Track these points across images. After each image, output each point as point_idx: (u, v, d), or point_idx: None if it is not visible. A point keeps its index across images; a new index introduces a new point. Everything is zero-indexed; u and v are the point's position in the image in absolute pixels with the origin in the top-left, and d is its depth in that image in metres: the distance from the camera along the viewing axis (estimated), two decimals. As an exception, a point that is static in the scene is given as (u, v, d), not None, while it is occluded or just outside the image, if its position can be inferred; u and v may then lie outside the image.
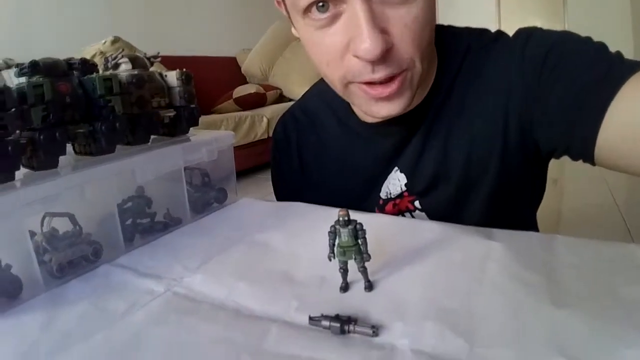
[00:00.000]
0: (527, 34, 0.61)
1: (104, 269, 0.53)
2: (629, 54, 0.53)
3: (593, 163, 0.55)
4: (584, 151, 0.54)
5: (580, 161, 0.57)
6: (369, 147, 0.71)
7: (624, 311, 0.37)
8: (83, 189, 0.51)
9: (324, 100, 0.76)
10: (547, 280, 0.43)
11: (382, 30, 0.49)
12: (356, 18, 0.48)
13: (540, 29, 0.61)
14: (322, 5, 0.50)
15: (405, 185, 0.69)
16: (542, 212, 0.78)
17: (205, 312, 0.42)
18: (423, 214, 0.69)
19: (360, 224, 0.42)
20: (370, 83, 0.53)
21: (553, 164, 0.69)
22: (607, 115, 0.51)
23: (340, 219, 0.42)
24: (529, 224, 0.77)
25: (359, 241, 0.43)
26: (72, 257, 0.51)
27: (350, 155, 0.73)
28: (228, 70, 4.10)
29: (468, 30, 0.68)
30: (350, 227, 0.42)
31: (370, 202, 0.73)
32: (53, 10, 3.03)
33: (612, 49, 0.55)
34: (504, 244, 0.50)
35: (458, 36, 0.66)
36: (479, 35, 0.66)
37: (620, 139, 0.51)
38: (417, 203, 0.69)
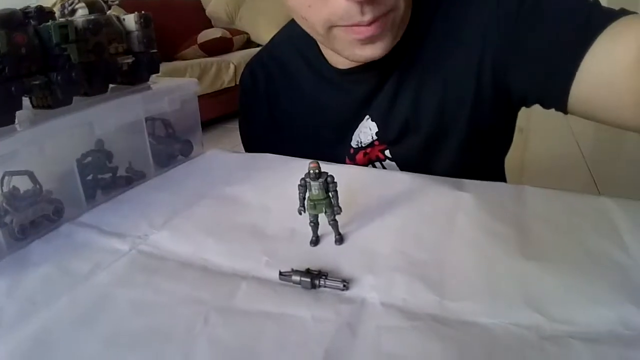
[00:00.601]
0: None
1: (66, 228, 0.51)
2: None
3: (565, 112, 0.55)
4: (557, 100, 0.54)
5: (552, 110, 0.57)
6: (341, 94, 0.69)
7: (594, 265, 0.38)
8: (42, 144, 0.49)
9: (293, 45, 0.73)
10: (517, 232, 0.43)
11: None
12: None
13: None
14: None
15: (377, 134, 0.68)
16: (508, 162, 0.79)
17: (172, 271, 0.41)
18: (393, 163, 0.69)
19: (332, 177, 0.41)
20: (356, 25, 0.51)
21: (520, 112, 0.68)
22: (582, 65, 0.50)
23: (311, 171, 0.40)
24: (498, 172, 0.78)
25: (330, 194, 0.42)
26: (33, 217, 0.49)
27: (321, 103, 0.71)
28: (192, 13, 3.92)
29: None
30: (321, 180, 0.41)
31: (341, 150, 0.72)
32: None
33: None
34: (473, 195, 0.50)
35: None
36: None
37: (594, 89, 0.50)
38: (387, 152, 0.69)
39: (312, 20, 0.54)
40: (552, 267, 0.38)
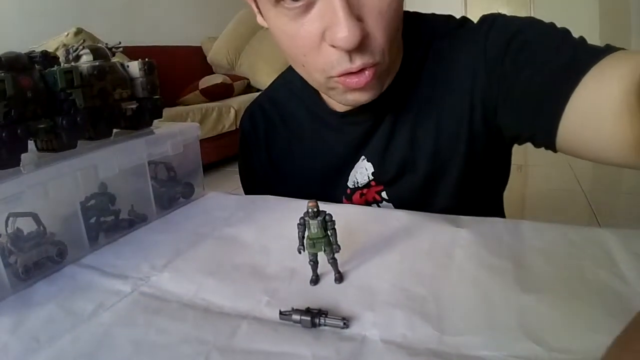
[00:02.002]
0: (491, 20, 0.61)
1: (70, 269, 0.51)
2: (595, 42, 0.54)
3: (555, 150, 0.56)
4: (546, 139, 0.55)
5: (543, 148, 0.58)
6: (338, 136, 0.70)
7: (591, 294, 0.38)
8: (46, 187, 0.49)
9: (291, 90, 0.75)
10: (515, 266, 0.43)
11: (357, 18, 0.48)
12: (332, 5, 0.47)
13: (504, 15, 0.62)
14: None
15: (373, 174, 0.69)
16: (507, 199, 0.79)
17: (174, 311, 0.41)
18: (390, 204, 0.70)
19: (330, 215, 0.42)
20: (347, 74, 0.53)
21: (517, 150, 0.70)
22: (569, 104, 0.51)
23: (309, 210, 0.41)
24: (496, 209, 0.78)
25: (329, 232, 0.42)
26: (37, 258, 0.49)
27: (318, 145, 0.73)
28: (193, 60, 4.02)
29: (433, 17, 0.68)
30: (319, 218, 0.42)
31: (339, 191, 0.73)
32: (14, 2, 2.91)
33: (578, 36, 0.56)
34: (470, 230, 0.51)
35: (424, 23, 0.67)
36: (444, 21, 0.67)
37: (581, 128, 0.51)
38: (384, 194, 0.70)
39: (310, 69, 0.56)
40: (549, 298, 0.38)
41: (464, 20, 0.66)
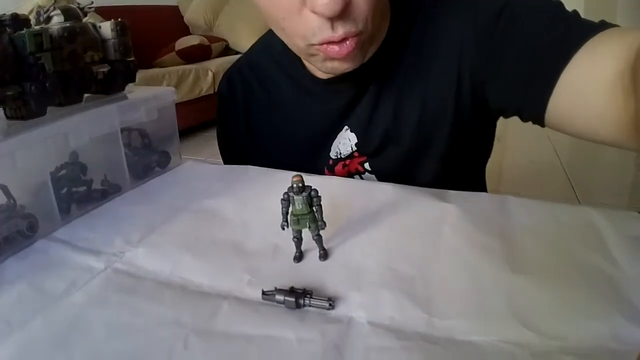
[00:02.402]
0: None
1: (41, 244, 0.49)
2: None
3: (543, 125, 0.55)
4: (534, 114, 0.54)
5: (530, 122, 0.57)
6: (320, 104, 0.68)
7: (582, 279, 0.38)
8: (14, 157, 0.46)
9: (272, 54, 0.72)
10: (504, 245, 0.43)
11: None
12: None
13: None
14: None
15: (356, 144, 0.67)
16: (487, 169, 0.79)
17: (149, 290, 0.39)
18: (373, 176, 0.68)
19: (315, 191, 0.40)
20: (328, 42, 0.50)
21: (497, 121, 0.68)
22: (560, 80, 0.49)
23: (294, 185, 0.39)
24: (478, 181, 0.78)
25: (314, 208, 0.41)
26: (7, 233, 0.47)
27: (300, 113, 0.70)
28: (170, 20, 3.87)
29: None
30: (304, 194, 0.40)
31: (320, 161, 0.71)
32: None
33: (571, 9, 0.54)
34: (458, 206, 0.50)
35: None
36: None
37: (571, 105, 0.50)
38: (367, 165, 0.68)
39: (289, 34, 0.53)
40: (541, 282, 0.37)
41: None
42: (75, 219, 0.54)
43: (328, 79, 0.64)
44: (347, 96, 0.65)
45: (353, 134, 0.67)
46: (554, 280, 0.37)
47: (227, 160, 0.79)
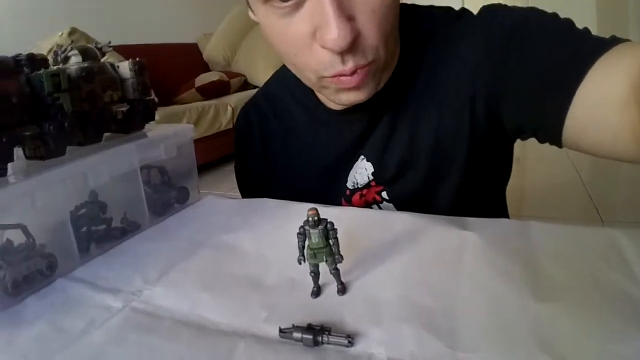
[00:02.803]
0: (492, 12, 0.59)
1: (60, 283, 0.49)
2: (592, 32, 0.52)
3: (560, 146, 0.54)
4: (551, 134, 0.53)
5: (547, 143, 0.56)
6: (335, 135, 0.68)
7: (609, 302, 0.36)
8: (34, 197, 0.47)
9: (287, 87, 0.73)
10: (527, 272, 0.41)
11: (348, 18, 0.46)
12: (321, 5, 0.45)
13: (505, 6, 0.59)
14: None
15: (372, 174, 0.66)
16: (507, 193, 0.77)
17: (168, 330, 0.39)
18: (391, 205, 0.67)
19: (331, 223, 0.40)
20: (339, 75, 0.50)
21: (516, 142, 0.68)
22: (575, 97, 0.49)
23: (310, 219, 0.39)
24: (499, 205, 0.76)
25: (330, 242, 0.40)
26: (26, 272, 0.47)
27: (316, 144, 0.70)
28: (189, 58, 3.97)
29: (432, 9, 0.65)
30: (320, 227, 0.39)
31: (337, 192, 0.71)
32: (8, 2, 2.88)
33: (582, 27, 0.53)
34: (478, 233, 0.49)
35: (422, 16, 0.64)
36: (444, 14, 0.64)
37: (587, 121, 0.49)
38: (384, 194, 0.67)
39: (301, 68, 0.54)
40: (565, 309, 0.36)
41: (463, 11, 0.63)
42: (94, 258, 0.54)
43: (342, 110, 0.64)
44: (361, 126, 0.65)
45: (369, 163, 0.66)
46: (578, 307, 0.36)
47: (245, 194, 0.79)
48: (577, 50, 0.50)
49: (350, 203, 0.69)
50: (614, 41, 0.49)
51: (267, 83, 0.80)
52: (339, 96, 0.55)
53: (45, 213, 0.51)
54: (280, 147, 0.74)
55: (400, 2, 0.56)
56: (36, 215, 0.49)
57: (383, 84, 0.59)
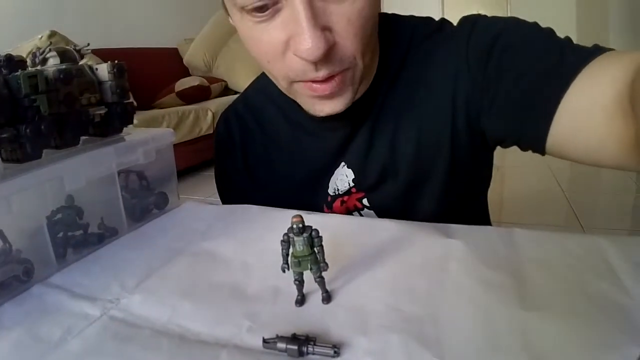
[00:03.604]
0: (472, 22, 0.59)
1: (37, 289, 0.48)
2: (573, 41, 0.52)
3: (543, 154, 0.54)
4: (535, 143, 0.53)
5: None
6: (316, 142, 0.68)
7: (594, 310, 0.36)
8: (10, 201, 0.46)
9: (267, 95, 0.72)
10: (513, 280, 0.41)
11: (323, 28, 0.46)
12: (296, 15, 0.45)
13: (485, 16, 0.60)
14: (261, 8, 0.46)
15: (353, 180, 0.66)
16: (488, 200, 0.78)
17: (147, 339, 0.37)
18: (372, 211, 0.67)
19: (316, 231, 0.39)
20: (314, 81, 0.50)
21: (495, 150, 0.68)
22: (560, 108, 0.49)
23: (294, 226, 0.38)
24: (481, 211, 0.76)
25: (315, 249, 0.39)
26: (3, 278, 0.46)
27: (297, 150, 0.70)
28: (169, 62, 3.94)
29: (412, 19, 0.65)
30: (305, 234, 0.38)
31: (319, 199, 0.70)
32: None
33: (564, 36, 0.54)
34: (463, 241, 0.49)
35: (401, 25, 0.64)
36: (423, 24, 0.64)
37: (572, 131, 0.49)
38: (365, 200, 0.67)
39: (274, 75, 0.54)
40: (552, 317, 0.36)
41: (443, 22, 0.64)
42: (71, 264, 0.52)
43: (323, 117, 0.64)
44: (342, 132, 0.65)
45: (350, 170, 0.66)
46: (565, 314, 0.36)
47: (225, 200, 0.78)
48: (561, 59, 0.50)
49: (331, 209, 0.69)
50: (597, 50, 0.50)
51: (246, 91, 0.79)
52: (314, 107, 0.55)
53: (22, 218, 0.50)
54: (261, 156, 0.74)
55: (380, 11, 0.56)
56: (12, 220, 0.48)
57: (361, 93, 0.59)
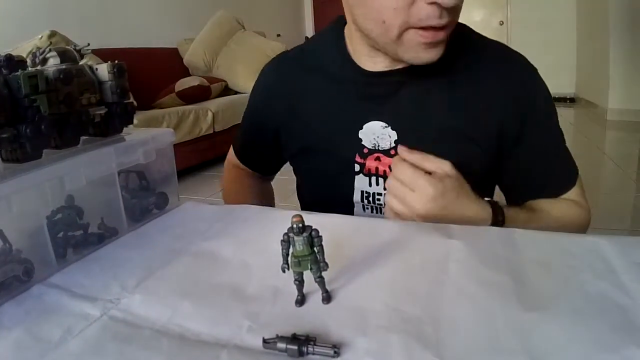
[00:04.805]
0: (530, 73, 0.69)
1: (37, 289, 0.47)
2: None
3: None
4: (516, 199, 0.75)
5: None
6: (359, 90, 0.71)
7: (594, 309, 0.37)
8: (10, 200, 0.46)
9: (324, 42, 0.79)
10: (513, 281, 0.41)
11: None
12: None
13: (538, 75, 0.70)
14: None
15: (395, 142, 0.69)
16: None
17: (146, 339, 0.37)
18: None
19: (316, 231, 0.39)
20: (431, 27, 0.56)
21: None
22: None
23: (294, 226, 0.38)
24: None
25: (315, 249, 0.39)
26: (3, 278, 0.46)
27: (339, 99, 0.73)
28: (170, 62, 3.94)
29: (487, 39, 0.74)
30: (305, 234, 0.38)
31: (351, 146, 0.72)
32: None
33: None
34: (463, 241, 0.49)
35: (474, 32, 0.73)
36: (494, 41, 0.73)
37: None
38: None
39: (390, 23, 0.57)
40: (552, 317, 0.36)
41: (506, 47, 0.73)
42: (71, 264, 0.52)
43: (376, 71, 0.70)
44: (385, 89, 0.70)
45: (394, 132, 0.69)
46: (565, 314, 0.36)
47: (241, 148, 0.88)
48: (561, 174, 0.73)
49: (364, 159, 0.71)
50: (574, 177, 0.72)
51: (301, 45, 0.84)
52: (418, 54, 0.60)
53: (22, 218, 0.50)
54: (308, 97, 0.76)
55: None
56: (12, 220, 0.48)
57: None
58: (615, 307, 0.37)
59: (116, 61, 0.60)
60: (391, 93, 0.69)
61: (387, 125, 0.69)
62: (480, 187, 0.66)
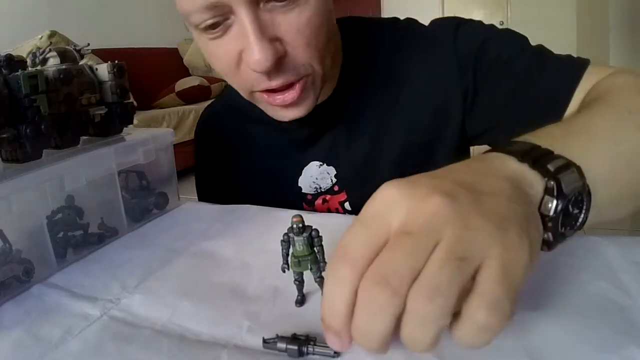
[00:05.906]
0: (455, 25, 0.61)
1: (37, 289, 0.48)
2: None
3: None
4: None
5: None
6: (284, 135, 0.69)
7: (594, 309, 0.36)
8: (10, 200, 0.46)
9: (234, 105, 0.74)
10: (513, 280, 0.41)
11: (272, 39, 0.47)
12: (244, 29, 0.46)
13: (463, 20, 0.61)
14: (213, 25, 0.48)
15: (335, 176, 0.67)
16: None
17: (147, 339, 0.37)
18: (353, 215, 0.68)
19: (317, 231, 0.39)
20: (270, 90, 0.52)
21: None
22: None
23: (294, 226, 0.38)
24: None
25: (315, 249, 0.39)
26: (3, 278, 0.46)
27: (267, 147, 0.71)
28: (169, 62, 3.95)
29: (378, 20, 0.67)
30: (305, 234, 0.38)
31: (292, 196, 0.70)
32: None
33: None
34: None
35: (367, 27, 0.66)
36: (391, 25, 0.66)
37: None
38: (347, 205, 0.68)
39: (235, 85, 0.56)
40: (552, 316, 0.36)
41: (410, 21, 0.65)
42: (71, 264, 0.52)
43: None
44: (309, 131, 0.66)
45: (332, 167, 0.67)
46: (565, 314, 0.36)
47: (203, 197, 0.81)
48: (555, 82, 0.55)
49: (312, 207, 0.70)
50: (582, 64, 0.54)
51: (225, 91, 0.80)
52: (277, 114, 0.56)
53: (22, 218, 0.50)
54: (240, 151, 0.75)
55: (381, 12, 0.57)
56: (12, 220, 0.48)
57: (326, 96, 0.61)
58: (615, 307, 0.36)
59: (116, 61, 0.60)
60: (316, 131, 0.66)
61: (322, 163, 0.68)
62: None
